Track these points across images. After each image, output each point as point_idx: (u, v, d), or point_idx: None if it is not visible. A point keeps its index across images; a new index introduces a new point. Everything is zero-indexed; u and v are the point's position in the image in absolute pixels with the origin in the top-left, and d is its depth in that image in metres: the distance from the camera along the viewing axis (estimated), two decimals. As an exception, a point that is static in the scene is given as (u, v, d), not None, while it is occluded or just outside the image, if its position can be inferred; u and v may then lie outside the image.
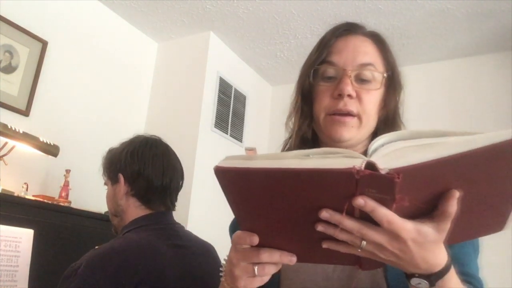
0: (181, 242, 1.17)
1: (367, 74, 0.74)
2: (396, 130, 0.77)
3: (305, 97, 0.81)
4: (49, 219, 1.60)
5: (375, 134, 0.78)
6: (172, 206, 1.24)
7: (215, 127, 2.75)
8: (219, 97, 2.80)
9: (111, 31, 2.63)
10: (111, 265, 0.98)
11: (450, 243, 0.49)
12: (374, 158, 0.41)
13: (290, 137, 0.85)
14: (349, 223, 0.46)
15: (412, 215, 0.45)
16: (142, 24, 2.76)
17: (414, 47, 2.71)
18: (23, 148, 1.80)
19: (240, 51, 2.99)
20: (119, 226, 1.22)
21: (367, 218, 0.45)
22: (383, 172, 0.40)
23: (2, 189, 1.69)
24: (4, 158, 1.80)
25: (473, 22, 2.41)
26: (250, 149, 0.58)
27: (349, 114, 0.72)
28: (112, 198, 1.22)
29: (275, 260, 0.53)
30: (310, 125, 0.80)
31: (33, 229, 1.48)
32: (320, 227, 0.47)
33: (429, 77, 2.84)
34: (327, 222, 0.47)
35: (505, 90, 2.55)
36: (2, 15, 2.00)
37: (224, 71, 2.88)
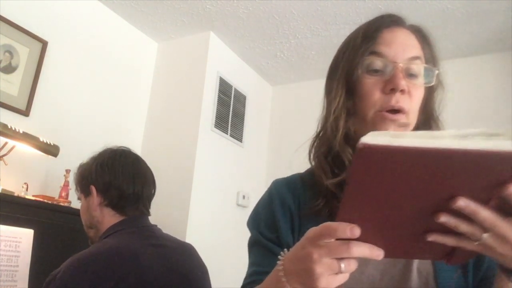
0: (159, 242, 1.19)
1: (415, 68, 0.70)
2: (433, 128, 0.76)
3: (348, 92, 0.74)
4: (49, 219, 1.60)
5: None
6: (146, 212, 1.27)
7: (215, 127, 2.75)
8: (219, 97, 2.80)
9: (111, 31, 2.62)
10: (90, 269, 0.99)
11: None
12: None
13: (320, 133, 0.78)
14: (486, 213, 0.43)
15: None
16: (142, 24, 2.76)
17: (414, 47, 2.70)
18: (23, 148, 1.80)
19: (240, 51, 2.99)
20: (95, 237, 1.25)
21: (497, 208, 0.43)
22: None
23: (2, 189, 1.69)
24: (4, 158, 1.80)
25: (473, 22, 2.41)
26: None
27: (399, 111, 0.68)
28: (86, 211, 1.24)
29: (365, 254, 0.48)
30: (354, 121, 0.74)
31: (33, 229, 1.48)
32: (443, 218, 0.44)
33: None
34: (451, 213, 0.44)
35: (505, 90, 2.55)
36: (2, 15, 2.00)
37: (224, 71, 2.88)
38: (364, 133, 0.73)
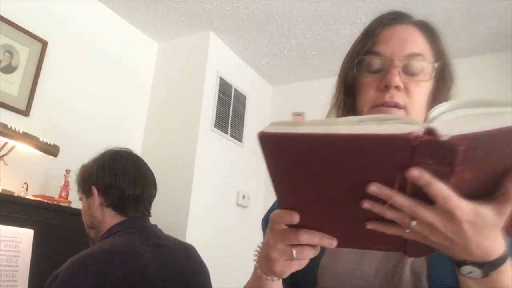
0: (160, 242, 1.19)
1: (415, 65, 0.69)
2: None
3: (348, 90, 0.75)
4: (49, 219, 1.60)
5: None
6: (147, 213, 1.27)
7: (215, 127, 2.75)
8: (219, 97, 2.80)
9: (111, 31, 2.63)
10: (90, 269, 1.00)
11: (509, 233, 0.45)
12: (434, 124, 0.37)
13: None
14: (400, 199, 0.41)
15: (469, 195, 0.41)
16: (142, 24, 2.76)
17: (414, 47, 2.70)
18: (23, 148, 1.80)
19: (240, 51, 2.99)
20: (96, 238, 1.25)
21: (418, 195, 0.41)
22: (444, 138, 0.36)
23: (2, 189, 1.69)
24: (4, 158, 1.80)
25: (473, 22, 2.41)
26: (298, 114, 0.55)
27: (395, 106, 0.67)
28: (87, 211, 1.25)
29: (315, 242, 0.50)
30: None
31: (33, 229, 1.48)
32: (366, 204, 0.43)
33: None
34: (374, 199, 0.43)
35: (505, 90, 2.55)
36: (2, 15, 2.00)
37: (224, 71, 2.88)
38: None
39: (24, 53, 2.09)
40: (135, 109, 2.79)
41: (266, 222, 0.80)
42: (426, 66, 0.70)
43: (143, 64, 2.87)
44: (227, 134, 2.87)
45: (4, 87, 2.00)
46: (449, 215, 0.41)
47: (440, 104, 0.40)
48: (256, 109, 3.25)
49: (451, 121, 0.37)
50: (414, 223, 0.43)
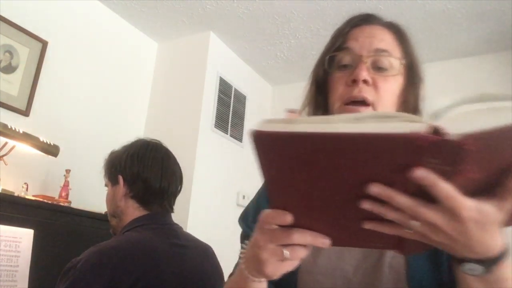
0: (180, 242, 1.18)
1: (383, 61, 0.70)
2: None
3: (320, 87, 0.76)
4: (49, 219, 1.59)
5: None
6: (170, 209, 1.26)
7: (215, 127, 2.75)
8: (219, 97, 2.80)
9: (111, 31, 2.62)
10: (109, 263, 0.99)
11: (508, 225, 0.44)
12: (440, 123, 0.35)
13: None
14: (402, 199, 0.40)
15: (471, 192, 0.40)
16: (142, 24, 2.76)
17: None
18: (23, 148, 1.79)
19: (240, 51, 2.99)
20: (117, 227, 1.24)
21: (418, 194, 0.40)
22: (453, 138, 0.34)
23: (2, 189, 1.69)
24: (4, 158, 1.80)
25: (473, 22, 2.41)
26: (292, 111, 0.54)
27: (363, 102, 0.68)
28: (111, 199, 1.24)
29: (307, 241, 0.48)
30: (322, 115, 0.73)
31: (33, 229, 1.48)
32: (366, 205, 0.42)
33: (429, 77, 2.83)
34: (374, 199, 0.41)
35: (505, 90, 2.55)
36: (2, 15, 2.00)
37: (224, 71, 2.88)
38: None
39: (24, 53, 2.09)
40: (135, 109, 2.79)
41: (243, 218, 0.80)
42: (394, 62, 0.70)
43: (143, 64, 2.87)
44: (227, 134, 2.87)
45: (4, 87, 2.00)
46: (453, 214, 0.40)
47: (443, 100, 0.39)
48: (256, 109, 3.25)
49: (457, 118, 0.36)
50: (415, 223, 0.42)
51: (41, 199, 1.76)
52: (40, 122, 2.12)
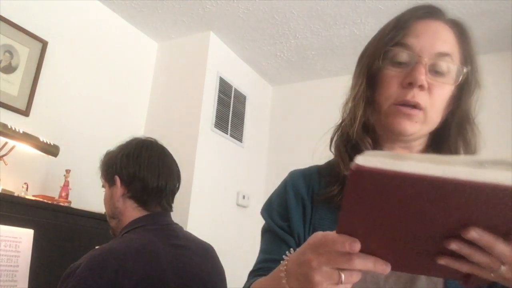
0: (180, 242, 1.18)
1: (442, 65, 0.66)
2: (469, 133, 0.70)
3: (370, 81, 0.72)
4: (49, 219, 1.59)
5: (436, 133, 0.71)
6: (169, 207, 1.25)
7: (215, 127, 2.75)
8: (219, 97, 2.80)
9: (111, 31, 2.62)
10: (109, 266, 0.98)
11: None
12: None
13: (342, 123, 0.76)
14: (503, 247, 0.40)
15: None
16: (142, 24, 2.76)
17: (414, 47, 2.70)
18: (23, 148, 1.79)
19: (240, 51, 2.99)
20: (117, 228, 1.24)
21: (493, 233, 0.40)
22: None
23: (2, 189, 1.69)
24: (4, 158, 1.80)
25: (473, 22, 2.40)
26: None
27: (416, 106, 0.64)
28: (109, 200, 1.23)
29: (368, 268, 0.45)
30: (372, 111, 0.71)
31: (33, 229, 1.48)
32: (454, 245, 0.41)
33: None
34: (461, 239, 0.41)
35: (505, 90, 2.55)
36: (2, 15, 2.00)
37: (224, 71, 2.88)
38: (376, 125, 0.71)
39: (24, 53, 2.09)
40: (135, 109, 2.79)
41: (267, 211, 0.79)
42: (452, 68, 0.67)
43: (143, 64, 2.87)
44: (227, 134, 2.87)
45: (4, 87, 2.00)
46: None
47: None
48: (256, 109, 3.25)
49: None
50: (504, 268, 0.41)
51: (41, 199, 1.76)
52: (40, 122, 2.12)
